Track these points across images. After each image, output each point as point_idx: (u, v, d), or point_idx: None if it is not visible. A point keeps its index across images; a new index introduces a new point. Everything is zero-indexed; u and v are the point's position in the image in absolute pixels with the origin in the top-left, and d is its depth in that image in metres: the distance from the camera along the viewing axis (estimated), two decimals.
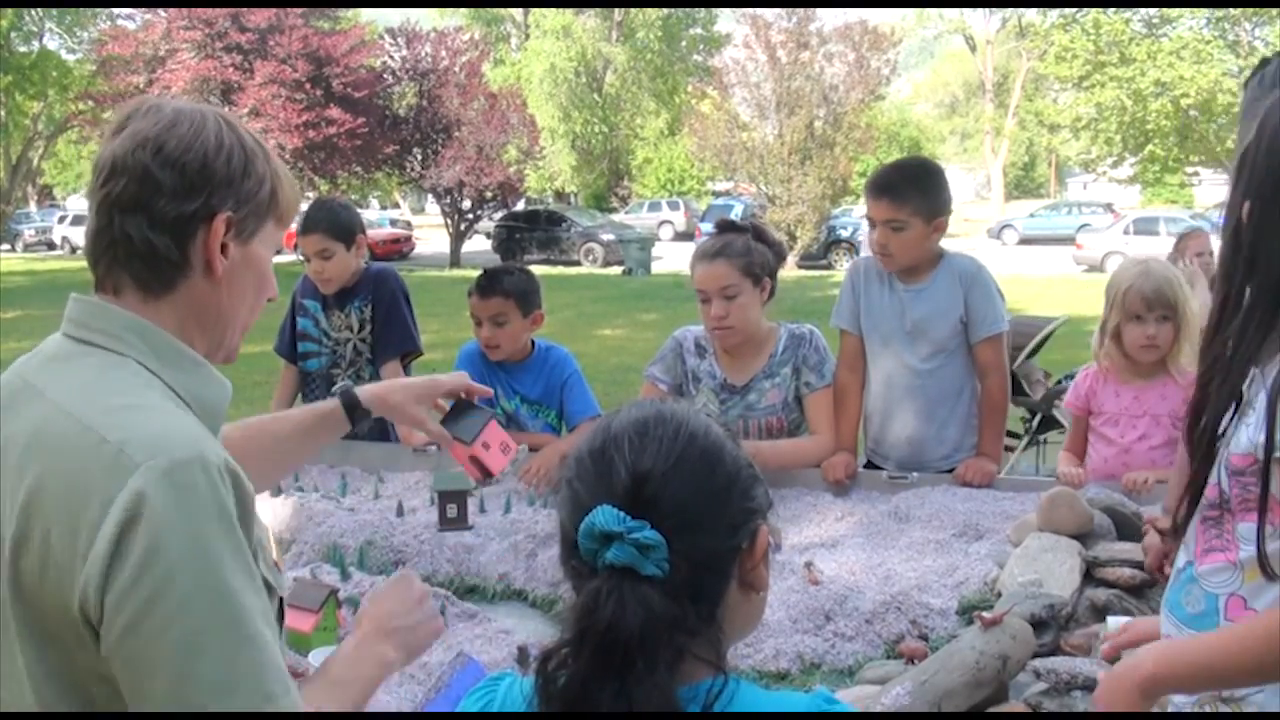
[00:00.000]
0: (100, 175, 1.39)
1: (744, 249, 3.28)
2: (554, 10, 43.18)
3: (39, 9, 35.29)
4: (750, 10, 27.80)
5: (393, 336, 3.99)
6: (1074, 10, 32.09)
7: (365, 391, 2.13)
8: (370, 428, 3.98)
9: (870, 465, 3.49)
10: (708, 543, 1.19)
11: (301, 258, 3.97)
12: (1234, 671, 1.49)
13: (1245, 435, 1.56)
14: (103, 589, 1.21)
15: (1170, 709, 1.72)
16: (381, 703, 2.07)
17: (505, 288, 3.71)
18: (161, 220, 1.38)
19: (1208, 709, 1.63)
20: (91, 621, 1.23)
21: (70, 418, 1.30)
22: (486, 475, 2.21)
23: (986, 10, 51.24)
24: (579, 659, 1.13)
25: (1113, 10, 30.38)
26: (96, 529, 1.21)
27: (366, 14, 40.81)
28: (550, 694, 1.16)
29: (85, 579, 1.21)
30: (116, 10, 34.30)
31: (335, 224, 3.91)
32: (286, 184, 1.51)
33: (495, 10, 48.56)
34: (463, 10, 47.76)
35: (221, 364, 1.50)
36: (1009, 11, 48.27)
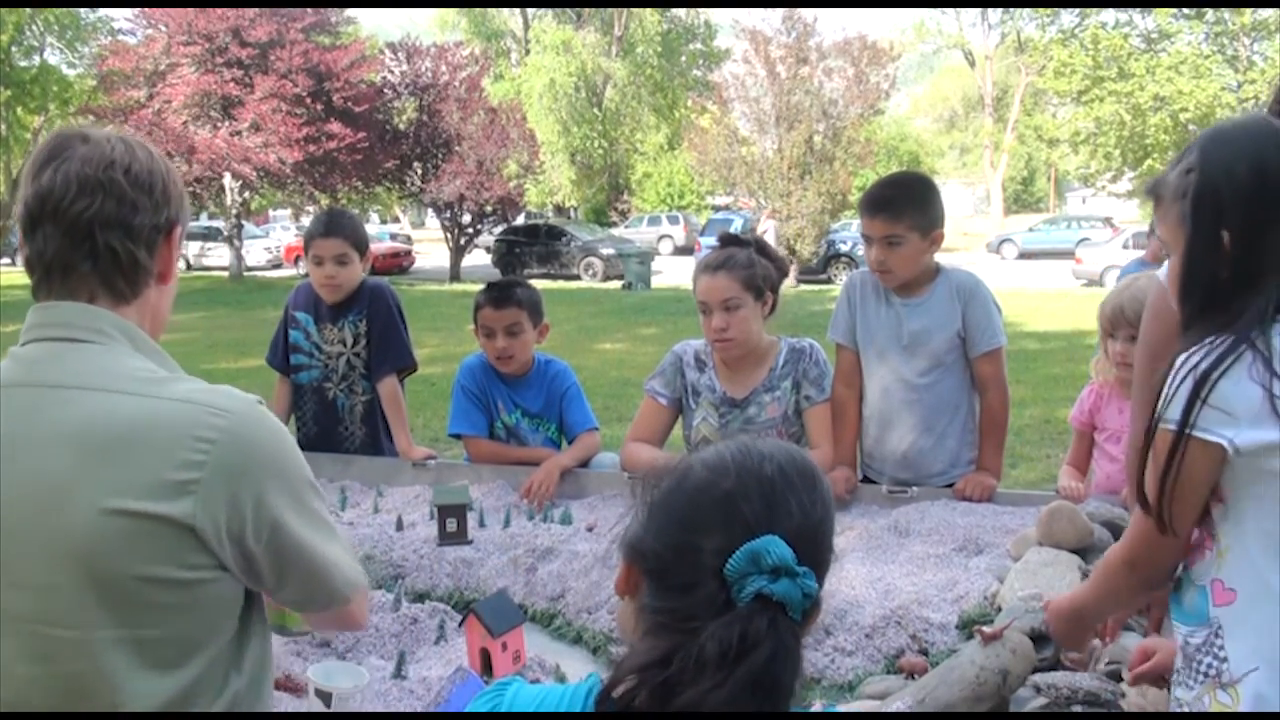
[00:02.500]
0: (65, 196, 1.51)
1: (747, 262, 3.29)
2: (554, 25, 43.28)
3: (40, 25, 35.37)
4: (750, 25, 27.84)
5: (389, 352, 3.98)
6: (1073, 25, 32.19)
7: None
8: (362, 442, 4.01)
9: (864, 479, 3.48)
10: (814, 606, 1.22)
11: (313, 263, 3.94)
12: (1100, 599, 1.87)
13: None
14: (231, 509, 1.44)
15: (1170, 708, 1.73)
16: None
17: (519, 298, 3.73)
18: (139, 233, 1.55)
19: (1207, 699, 1.64)
20: (215, 540, 1.44)
21: (126, 395, 1.45)
22: (485, 671, 2.18)
23: (985, 25, 51.42)
24: (721, 683, 1.11)
25: (1111, 25, 30.48)
26: (206, 465, 1.43)
27: (367, 28, 40.94)
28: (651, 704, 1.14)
29: (206, 508, 1.42)
30: (117, 24, 34.42)
31: (356, 233, 3.98)
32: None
33: (495, 25, 48.70)
34: (463, 25, 47.90)
35: None
36: (1008, 26, 48.35)
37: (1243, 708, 1.58)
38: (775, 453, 1.26)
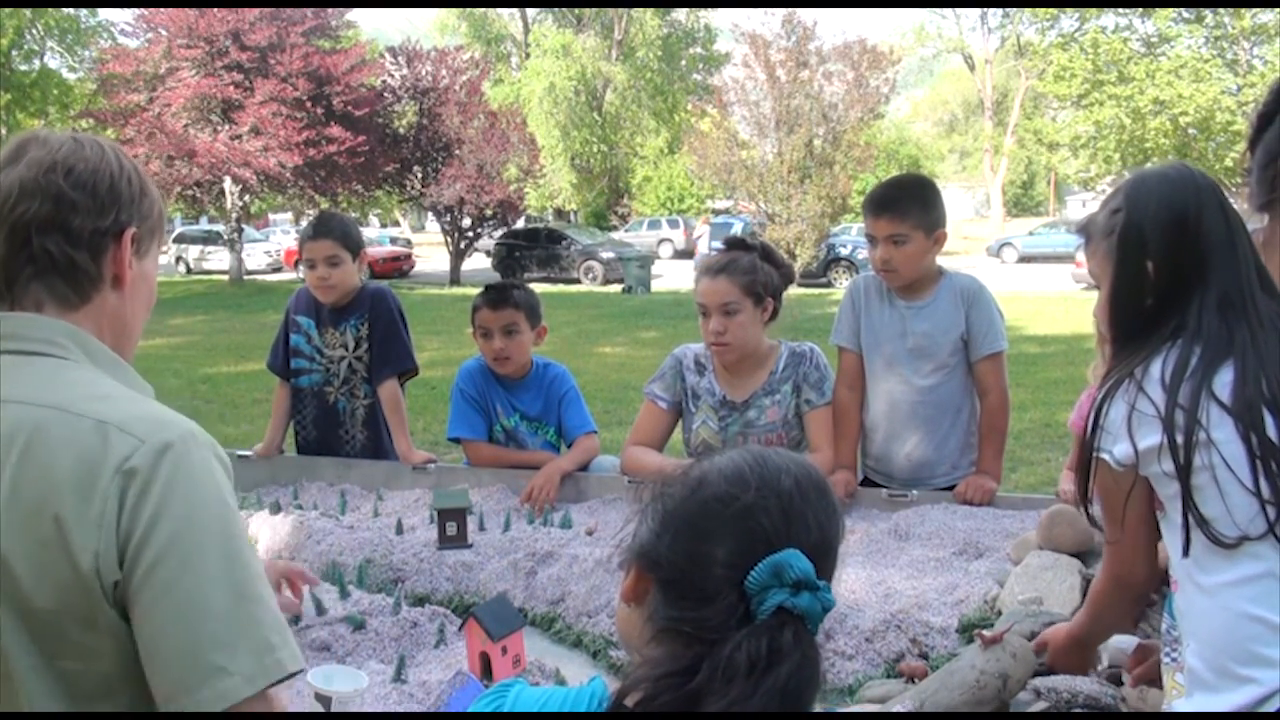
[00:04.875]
0: (7, 202, 1.46)
1: (749, 267, 3.29)
2: (554, 29, 43.33)
3: (40, 29, 35.40)
4: (750, 29, 27.90)
5: (390, 356, 3.98)
6: (1072, 29, 32.20)
7: None
8: (363, 446, 4.01)
9: (868, 482, 3.48)
10: None
11: (306, 266, 3.96)
12: (1096, 622, 1.98)
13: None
14: (122, 549, 1.31)
15: (1166, 708, 1.76)
16: None
17: (516, 299, 3.74)
18: (79, 236, 1.47)
19: (1169, 683, 1.76)
20: (106, 587, 1.31)
21: (53, 410, 1.37)
22: (485, 675, 2.19)
23: (985, 29, 51.47)
24: (749, 695, 1.10)
25: (1111, 29, 30.49)
26: (110, 498, 1.31)
27: (367, 32, 40.97)
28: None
29: (102, 544, 1.30)
30: (117, 28, 34.39)
31: (347, 234, 3.96)
32: (161, 208, 1.62)
33: (495, 29, 48.75)
34: (463, 29, 47.95)
35: None
36: (1008, 30, 48.38)
37: (1184, 685, 1.71)
38: (791, 465, 1.25)
